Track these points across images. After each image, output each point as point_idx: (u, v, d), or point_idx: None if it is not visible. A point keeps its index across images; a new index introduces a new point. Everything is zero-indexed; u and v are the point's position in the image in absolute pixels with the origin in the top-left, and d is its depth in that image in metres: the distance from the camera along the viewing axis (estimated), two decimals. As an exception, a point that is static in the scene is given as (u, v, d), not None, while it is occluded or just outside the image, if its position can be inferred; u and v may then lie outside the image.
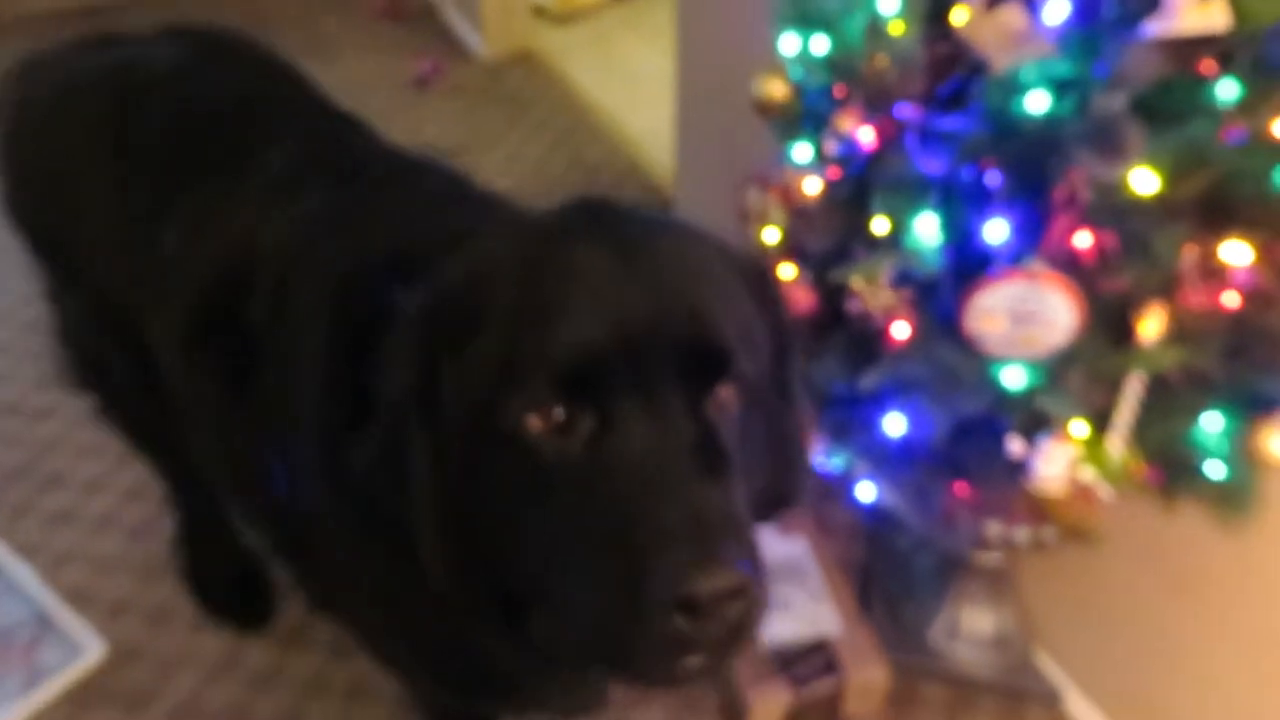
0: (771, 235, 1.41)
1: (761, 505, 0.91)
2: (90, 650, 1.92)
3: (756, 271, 0.91)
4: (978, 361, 1.17)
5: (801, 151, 1.38)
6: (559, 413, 0.77)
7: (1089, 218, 1.07)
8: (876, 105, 1.21)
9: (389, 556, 0.96)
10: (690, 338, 0.79)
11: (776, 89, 1.36)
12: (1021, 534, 1.49)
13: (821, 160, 1.36)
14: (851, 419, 1.31)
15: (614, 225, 0.84)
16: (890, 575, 1.98)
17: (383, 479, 0.86)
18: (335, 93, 1.51)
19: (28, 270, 2.74)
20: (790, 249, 1.38)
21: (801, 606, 1.87)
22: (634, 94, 3.47)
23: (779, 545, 1.96)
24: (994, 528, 1.49)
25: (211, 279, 1.17)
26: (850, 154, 1.25)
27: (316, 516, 1.05)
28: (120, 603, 2.03)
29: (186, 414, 1.34)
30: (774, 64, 1.41)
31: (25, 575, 2.05)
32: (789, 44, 1.36)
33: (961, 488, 1.32)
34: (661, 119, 3.28)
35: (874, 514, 1.98)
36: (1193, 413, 1.16)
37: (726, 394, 0.82)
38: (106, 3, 3.97)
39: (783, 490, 0.97)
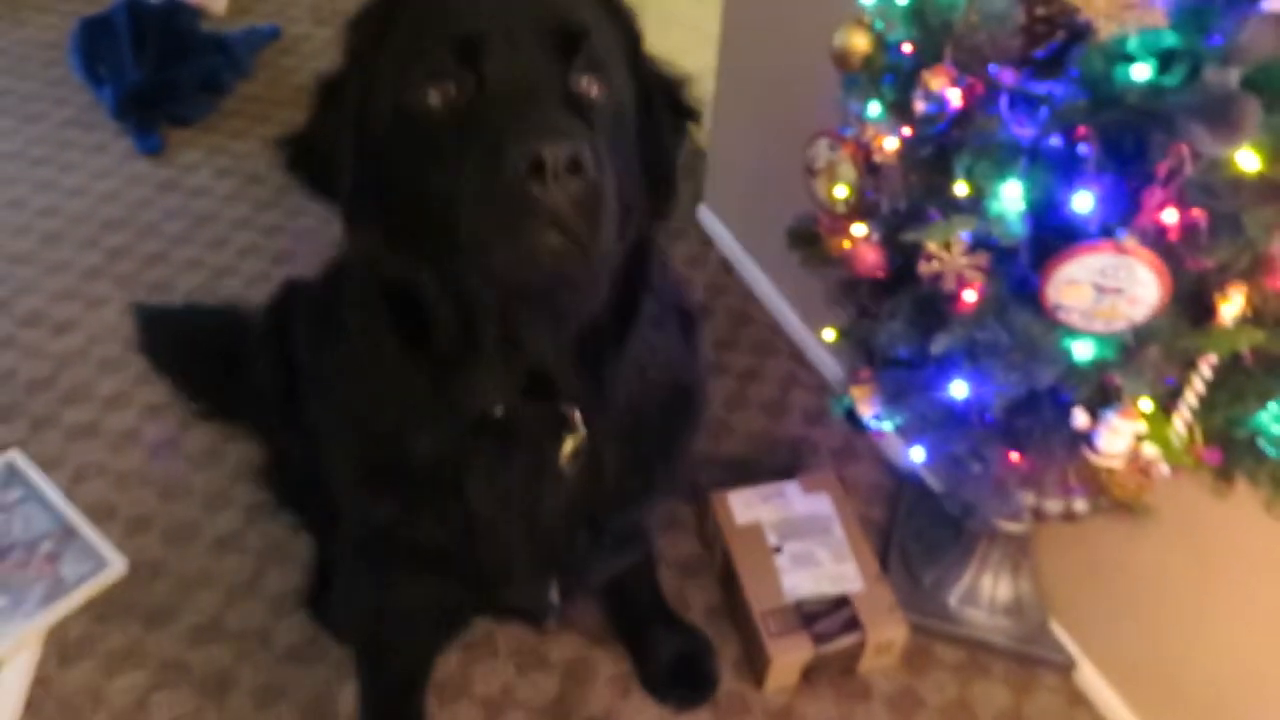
0: (840, 192, 1.39)
1: (631, 208, 1.04)
2: (112, 565, 1.92)
3: None
4: (1053, 331, 1.16)
5: (875, 107, 1.37)
6: (450, 86, 0.96)
7: (1182, 194, 1.06)
8: (967, 65, 1.19)
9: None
10: (550, 20, 0.98)
11: (859, 41, 1.33)
12: (1054, 504, 1.50)
13: (894, 115, 1.34)
14: (912, 382, 1.31)
15: None
16: (912, 537, 2.00)
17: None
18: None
19: (42, 183, 2.73)
20: (860, 207, 1.36)
21: (825, 564, 1.88)
22: (667, 42, 3.37)
23: (803, 502, 1.97)
24: (1029, 497, 1.50)
25: None
26: (935, 112, 1.23)
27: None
28: (140, 519, 2.02)
29: None
30: (853, 14, 1.39)
31: (48, 487, 2.04)
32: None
33: (1016, 457, 1.33)
34: (693, 66, 3.22)
35: (909, 476, 2.00)
36: (1263, 397, 1.16)
37: (592, 79, 0.99)
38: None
39: (654, 199, 1.11)
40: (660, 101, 1.12)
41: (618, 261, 1.07)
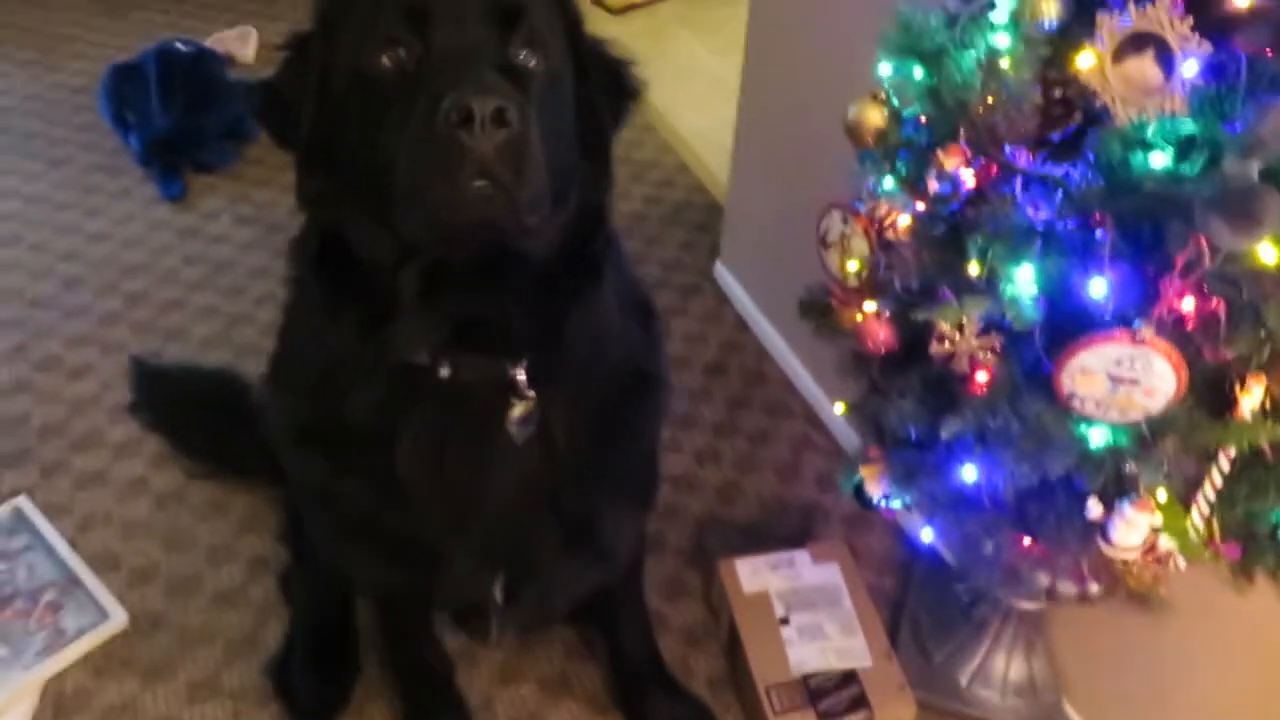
0: (852, 266, 1.37)
1: (568, 174, 1.12)
2: (113, 617, 1.91)
3: None
4: (1067, 419, 1.13)
5: (889, 182, 1.35)
6: (400, 51, 1.05)
7: (1201, 284, 1.04)
8: (982, 145, 1.17)
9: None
10: None
11: (873, 116, 1.32)
12: (1068, 586, 1.46)
13: (907, 191, 1.33)
14: (921, 463, 1.28)
15: None
16: (923, 610, 1.95)
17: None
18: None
19: (65, 227, 2.76)
20: (872, 282, 1.34)
21: (833, 637, 1.84)
22: (686, 92, 3.42)
23: (813, 572, 1.94)
24: (1043, 578, 1.46)
25: None
26: (948, 191, 1.21)
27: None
28: (144, 571, 2.01)
29: None
30: (869, 88, 1.37)
31: (54, 536, 2.03)
32: (888, 71, 1.32)
33: (1029, 542, 1.29)
34: (713, 121, 3.24)
35: (922, 554, 1.95)
36: (1284, 491, 1.12)
37: (529, 52, 1.08)
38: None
39: (593, 170, 1.19)
40: (600, 79, 1.21)
41: (564, 221, 1.14)
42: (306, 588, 1.89)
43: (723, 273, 2.70)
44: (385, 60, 1.06)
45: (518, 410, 1.19)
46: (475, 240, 1.08)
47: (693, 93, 3.42)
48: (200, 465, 2.16)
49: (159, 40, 3.17)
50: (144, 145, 2.94)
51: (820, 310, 1.50)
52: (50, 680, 1.82)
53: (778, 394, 2.45)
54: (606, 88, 1.22)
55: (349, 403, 1.22)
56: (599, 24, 3.71)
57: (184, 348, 2.47)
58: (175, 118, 2.95)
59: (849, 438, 2.26)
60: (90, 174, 2.97)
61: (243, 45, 3.36)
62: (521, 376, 1.17)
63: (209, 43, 3.30)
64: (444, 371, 1.15)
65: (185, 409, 2.18)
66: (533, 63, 1.09)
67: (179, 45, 3.13)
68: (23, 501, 2.10)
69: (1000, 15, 1.21)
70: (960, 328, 1.21)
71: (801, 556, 1.96)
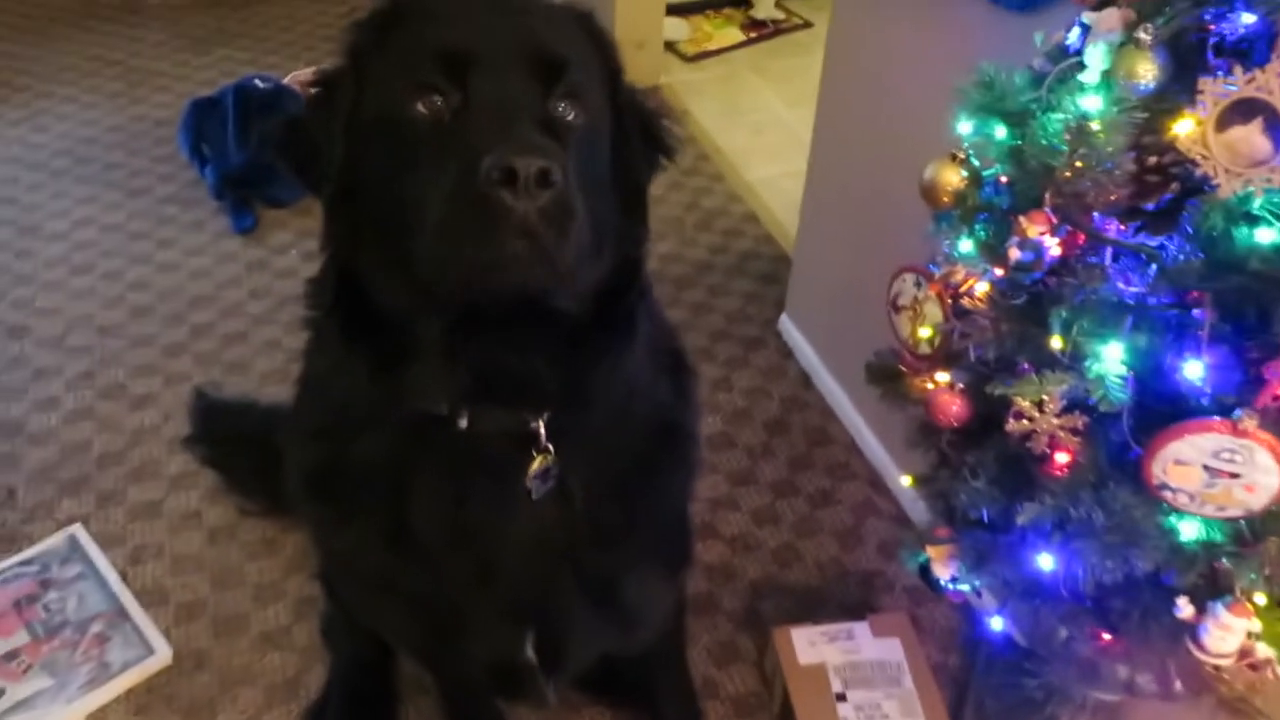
0: (925, 333, 1.30)
1: (605, 228, 1.08)
2: (158, 653, 1.89)
3: (584, 15, 1.16)
4: (1156, 510, 1.05)
5: (966, 245, 1.28)
6: (437, 98, 1.01)
7: (1309, 371, 0.95)
8: (1068, 212, 1.10)
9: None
10: (536, 48, 1.05)
11: (951, 177, 1.26)
12: (1150, 681, 1.36)
13: (985, 257, 1.26)
14: (995, 547, 1.20)
15: None
16: (989, 693, 1.84)
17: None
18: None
19: (138, 256, 2.80)
20: (945, 351, 1.27)
21: (892, 717, 1.74)
22: (758, 142, 3.39)
23: (873, 646, 1.84)
24: (1123, 671, 1.36)
25: None
26: (1031, 259, 1.14)
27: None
28: (191, 606, 2.00)
29: None
30: (944, 148, 1.31)
31: (106, 566, 2.03)
32: (967, 130, 1.26)
33: (1109, 637, 1.20)
34: (783, 170, 3.20)
35: (995, 642, 1.85)
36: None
37: (569, 105, 1.04)
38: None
39: (628, 222, 1.15)
40: (638, 132, 1.18)
41: (599, 276, 1.10)
42: (344, 635, 1.85)
43: (788, 326, 2.64)
44: (420, 107, 1.01)
45: (536, 465, 1.14)
46: (506, 296, 1.03)
47: (765, 142, 3.39)
48: (252, 502, 2.15)
49: (239, 77, 3.25)
50: (218, 179, 2.99)
51: (889, 375, 1.44)
52: (92, 715, 1.81)
53: (841, 455, 2.36)
54: (644, 141, 1.19)
55: (357, 448, 1.18)
56: (673, 71, 3.73)
57: (245, 381, 2.48)
58: (249, 153, 3.00)
59: (915, 505, 2.17)
60: (166, 205, 3.03)
61: (320, 83, 3.41)
62: (541, 429, 1.13)
63: (287, 80, 3.35)
64: (462, 422, 1.10)
65: (240, 445, 2.17)
66: (572, 115, 1.05)
67: (257, 82, 3.19)
68: (78, 530, 2.11)
69: (1091, 76, 1.14)
70: (1040, 405, 1.13)
71: (861, 629, 1.87)
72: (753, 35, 3.89)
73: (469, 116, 1.00)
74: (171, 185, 3.10)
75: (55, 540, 2.09)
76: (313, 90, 1.15)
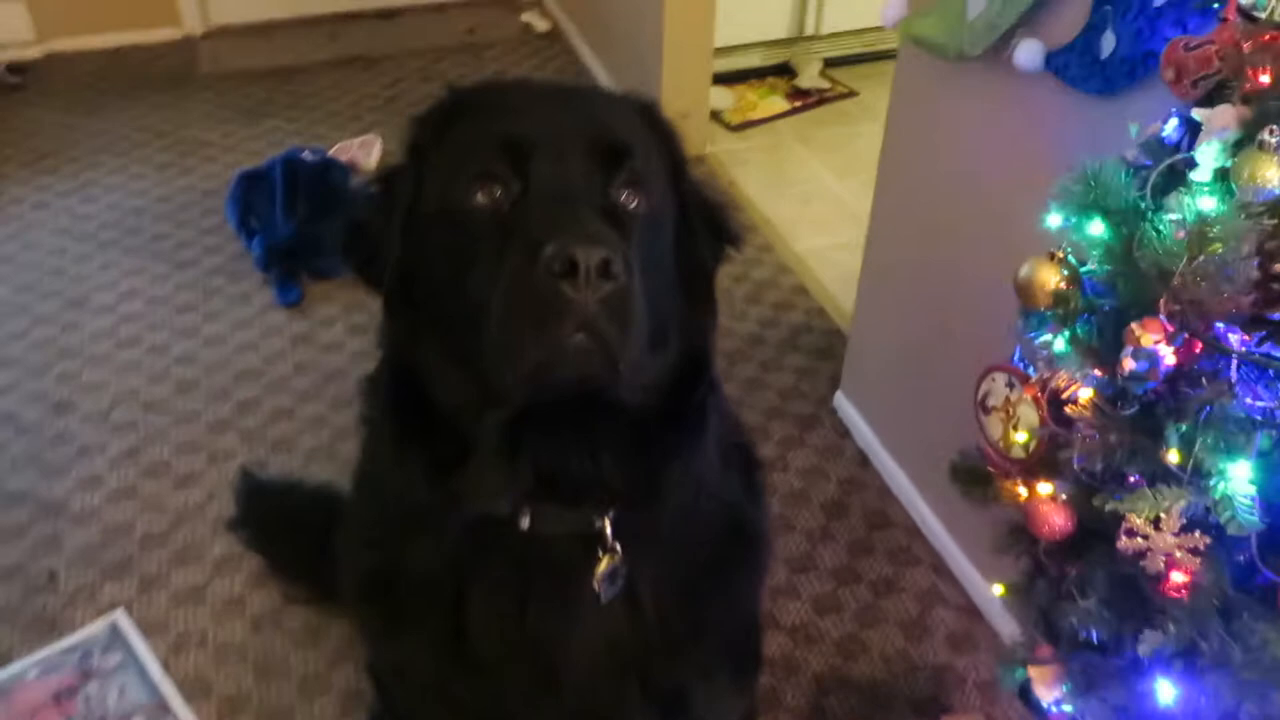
0: (1020, 437, 1.24)
1: (668, 318, 1.06)
2: (200, 753, 1.83)
3: (648, 105, 1.15)
4: (1293, 643, 0.97)
5: (1060, 344, 1.22)
6: (497, 188, 0.99)
7: None
8: (1186, 320, 1.04)
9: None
10: (598, 135, 1.03)
11: (1049, 277, 1.20)
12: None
13: (1087, 360, 1.19)
14: (1107, 670, 1.11)
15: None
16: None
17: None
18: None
19: (184, 329, 2.78)
20: (1044, 458, 1.20)
21: (972, 831, 1.64)
22: (805, 212, 3.35)
23: (948, 751, 1.75)
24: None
25: None
26: (1145, 369, 1.07)
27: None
28: (236, 700, 1.93)
29: None
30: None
31: (148, 656, 1.98)
32: (1057, 224, 1.21)
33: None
34: (832, 242, 3.16)
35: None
36: None
37: (632, 193, 1.02)
38: (297, 63, 4.09)
39: (693, 312, 1.13)
40: (700, 221, 1.15)
41: (664, 367, 1.07)
42: None
43: (844, 404, 2.57)
44: (480, 196, 0.99)
45: (604, 565, 1.09)
46: (569, 390, 1.00)
47: (813, 213, 3.35)
48: (297, 589, 2.09)
49: (287, 148, 3.26)
50: (264, 251, 2.98)
51: (976, 478, 1.37)
52: (130, 817, 1.75)
53: (902, 538, 2.28)
54: (709, 230, 1.17)
55: (412, 554, 1.14)
56: (718, 140, 3.72)
57: (290, 459, 2.44)
58: (296, 225, 2.99)
59: (982, 592, 2.08)
60: (213, 277, 3.02)
61: (366, 154, 3.42)
62: (608, 529, 1.08)
63: (333, 151, 3.36)
64: (524, 523, 1.06)
65: (285, 529, 2.12)
66: (634, 204, 1.03)
67: (305, 154, 3.20)
68: (120, 616, 2.05)
69: (1203, 174, 1.09)
70: (1156, 522, 1.06)
71: (932, 735, 1.78)
72: (797, 104, 3.87)
73: (529, 205, 0.98)
74: (218, 257, 3.09)
75: (97, 627, 2.03)
76: (373, 189, 1.14)
